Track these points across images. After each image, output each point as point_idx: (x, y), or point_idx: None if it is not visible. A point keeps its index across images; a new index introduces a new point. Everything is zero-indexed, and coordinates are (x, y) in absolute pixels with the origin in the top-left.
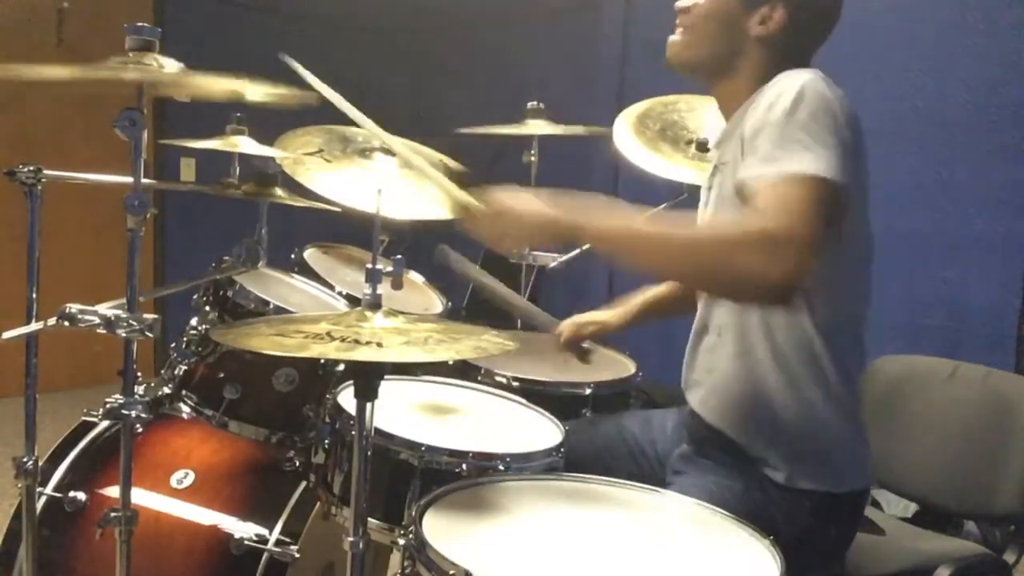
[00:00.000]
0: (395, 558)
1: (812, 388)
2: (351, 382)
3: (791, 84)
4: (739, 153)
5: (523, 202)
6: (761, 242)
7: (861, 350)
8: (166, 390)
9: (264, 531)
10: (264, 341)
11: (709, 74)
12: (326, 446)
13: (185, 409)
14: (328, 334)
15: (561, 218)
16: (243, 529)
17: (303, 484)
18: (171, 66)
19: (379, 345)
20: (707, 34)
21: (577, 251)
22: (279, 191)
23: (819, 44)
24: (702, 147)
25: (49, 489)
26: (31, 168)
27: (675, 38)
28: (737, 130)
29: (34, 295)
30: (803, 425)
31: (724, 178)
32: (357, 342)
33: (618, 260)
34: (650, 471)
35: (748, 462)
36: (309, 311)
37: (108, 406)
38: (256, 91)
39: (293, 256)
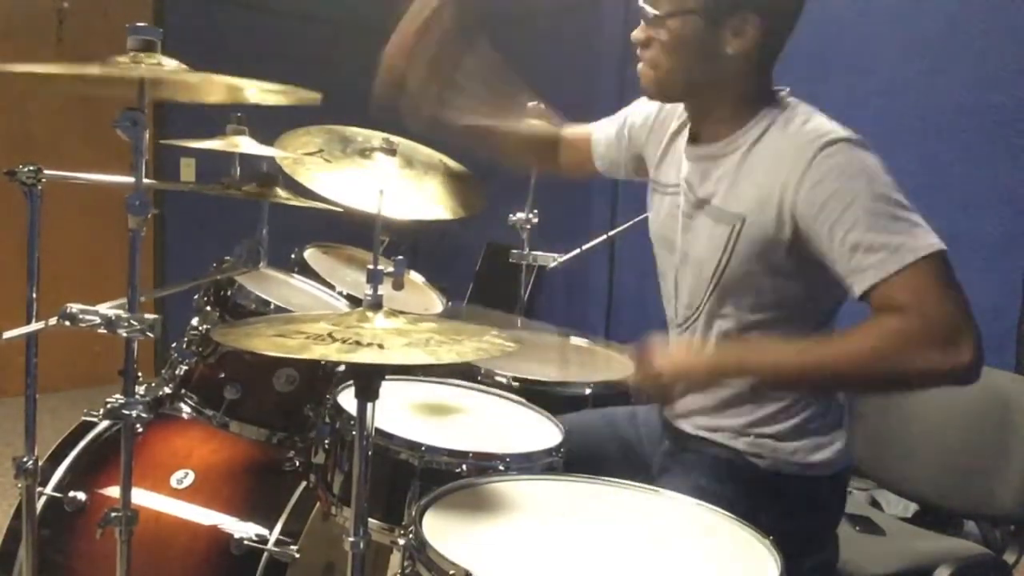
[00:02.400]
0: (395, 558)
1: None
2: (351, 382)
3: (841, 151)
4: (781, 216)
5: (676, 358)
6: (932, 339)
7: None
8: (167, 390)
9: (264, 531)
10: (265, 342)
11: (692, 99)
12: (326, 446)
13: (185, 409)
14: (329, 335)
15: (727, 362)
16: (243, 529)
17: (303, 484)
18: (172, 66)
19: (380, 347)
20: (678, 68)
21: (577, 251)
22: (280, 191)
23: (784, 46)
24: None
25: (49, 489)
26: (31, 168)
27: (644, 71)
28: (741, 168)
29: (34, 295)
30: (780, 420)
31: (744, 233)
32: (358, 343)
33: (795, 389)
34: (640, 467)
35: (730, 454)
36: (310, 311)
37: (108, 406)
38: (256, 91)
39: (293, 256)
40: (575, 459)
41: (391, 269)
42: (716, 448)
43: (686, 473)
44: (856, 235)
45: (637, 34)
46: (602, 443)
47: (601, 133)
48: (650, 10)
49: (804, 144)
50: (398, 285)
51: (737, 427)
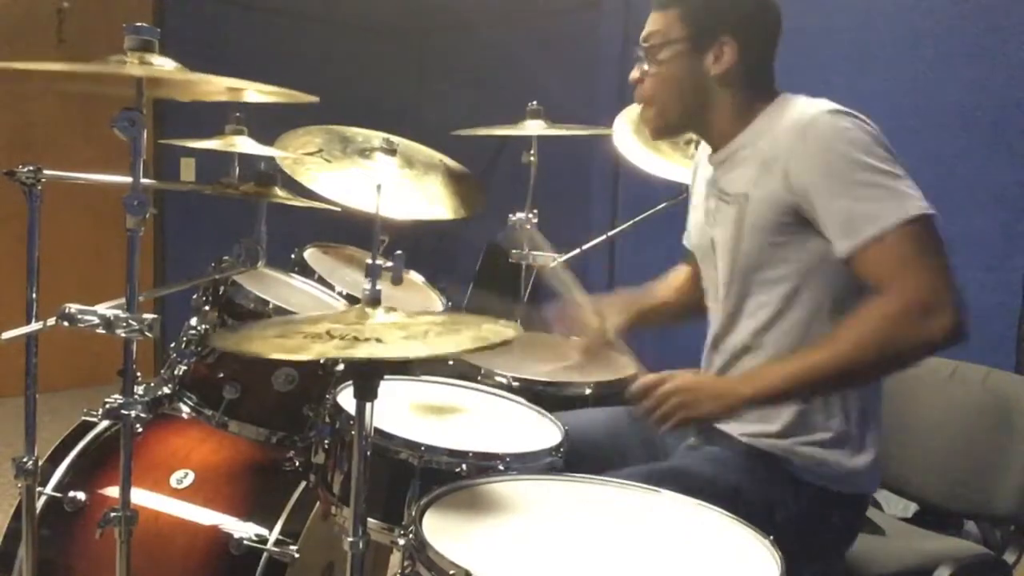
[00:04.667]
0: (395, 558)
1: (840, 403)
2: (351, 382)
3: (826, 122)
4: (779, 187)
5: (695, 385)
6: (915, 313)
7: None
8: (166, 390)
9: (264, 531)
10: (263, 344)
11: (692, 127)
12: (326, 446)
13: (185, 409)
14: (327, 333)
15: (744, 393)
16: (243, 529)
17: (303, 484)
18: (168, 66)
19: (379, 341)
20: (671, 97)
21: (577, 251)
22: (279, 191)
23: (775, 52)
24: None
25: (49, 489)
26: (31, 168)
27: (644, 113)
28: (748, 158)
29: (34, 295)
30: (816, 432)
31: (749, 208)
32: (356, 339)
33: (810, 396)
34: (660, 455)
35: (755, 453)
36: (309, 311)
37: (108, 406)
38: (255, 93)
39: (293, 256)
40: (597, 451)
41: (390, 264)
42: (742, 447)
43: (706, 460)
44: (836, 203)
45: (633, 74)
46: (624, 435)
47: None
48: (643, 45)
49: (796, 121)
50: (397, 280)
51: (769, 430)
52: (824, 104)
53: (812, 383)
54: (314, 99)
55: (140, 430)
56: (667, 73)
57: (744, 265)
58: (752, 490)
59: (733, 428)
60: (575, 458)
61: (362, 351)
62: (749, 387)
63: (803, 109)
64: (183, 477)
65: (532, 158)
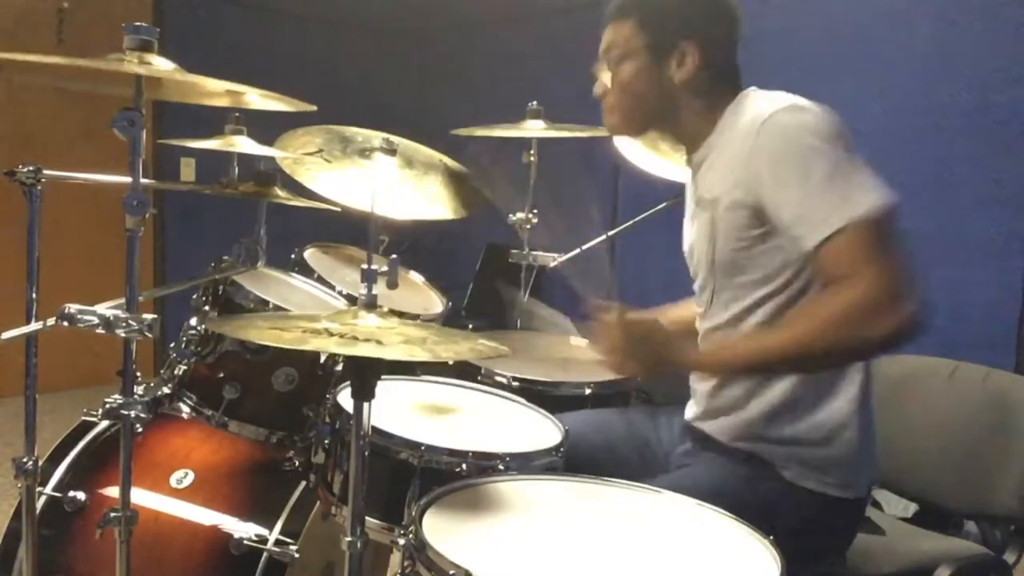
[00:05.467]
0: (395, 558)
1: (830, 401)
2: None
3: (780, 119)
4: (742, 192)
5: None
6: (870, 308)
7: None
8: (166, 390)
9: (264, 531)
10: (262, 333)
11: (655, 128)
12: (326, 446)
13: (185, 409)
14: (327, 331)
15: (685, 360)
16: (243, 529)
17: (303, 484)
18: (166, 66)
19: (379, 343)
20: (634, 102)
21: (577, 251)
22: (279, 191)
23: (737, 50)
24: None
25: (49, 489)
26: (31, 168)
27: (607, 119)
28: (716, 161)
29: (34, 295)
30: (813, 438)
31: (718, 214)
32: (355, 338)
33: (752, 377)
34: (656, 466)
35: (753, 460)
36: (309, 310)
37: (108, 406)
38: (255, 97)
39: (293, 256)
40: (591, 455)
41: (386, 268)
42: (740, 453)
43: (705, 470)
44: (788, 194)
45: (596, 89)
46: (619, 441)
47: None
48: (604, 61)
49: (752, 120)
50: (392, 284)
51: (766, 434)
52: (781, 100)
53: (764, 366)
54: (312, 108)
55: (140, 430)
56: (630, 84)
57: (720, 271)
58: (752, 496)
59: (723, 434)
60: (568, 467)
61: (361, 350)
62: (708, 360)
63: (759, 107)
64: (183, 477)
65: (532, 158)
